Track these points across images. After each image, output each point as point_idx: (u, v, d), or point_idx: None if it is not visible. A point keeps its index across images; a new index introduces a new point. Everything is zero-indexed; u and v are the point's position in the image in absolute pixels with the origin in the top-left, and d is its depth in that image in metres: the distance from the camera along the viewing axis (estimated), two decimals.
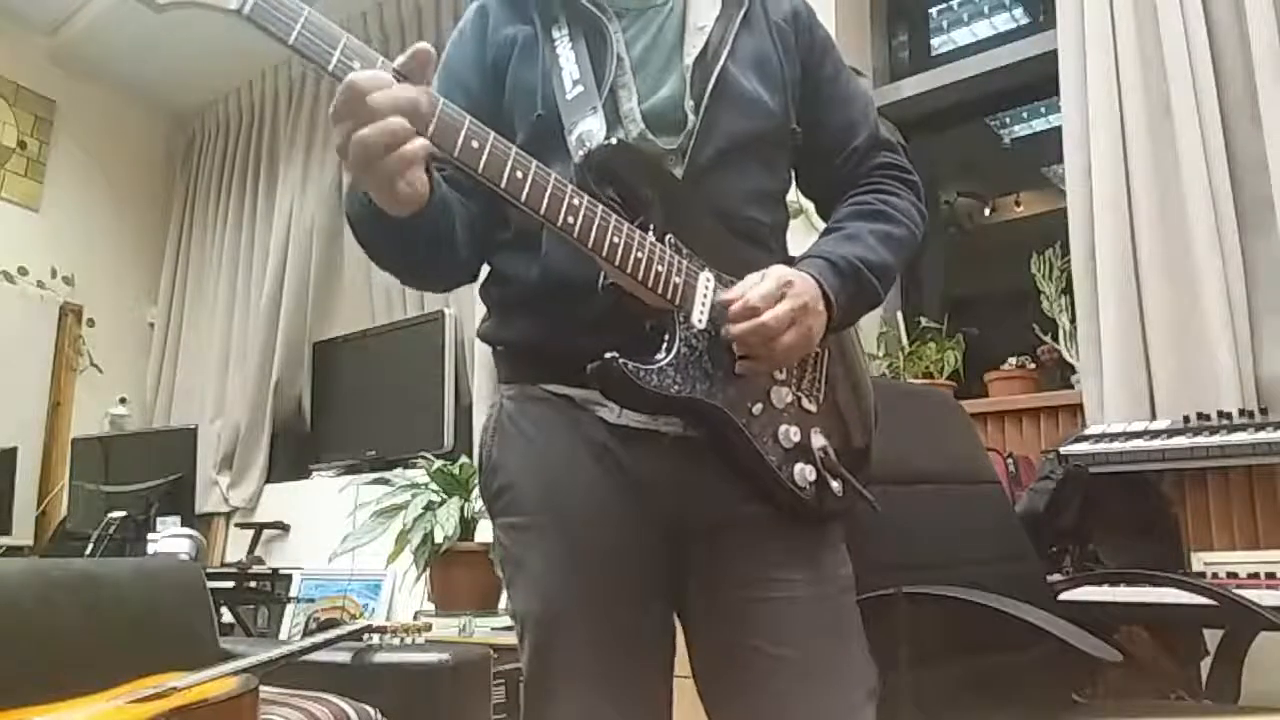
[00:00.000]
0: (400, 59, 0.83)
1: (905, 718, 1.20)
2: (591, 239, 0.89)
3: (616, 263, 0.91)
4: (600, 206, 0.90)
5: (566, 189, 0.88)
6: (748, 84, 1.06)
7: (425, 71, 0.83)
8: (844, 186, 1.16)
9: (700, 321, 0.96)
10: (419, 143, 0.81)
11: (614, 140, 0.97)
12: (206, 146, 4.92)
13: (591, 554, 0.99)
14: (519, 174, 0.86)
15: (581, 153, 0.95)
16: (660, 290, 0.93)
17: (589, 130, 0.98)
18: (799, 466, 1.00)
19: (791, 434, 1.00)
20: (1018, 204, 3.14)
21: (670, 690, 1.04)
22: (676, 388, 0.93)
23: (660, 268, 0.93)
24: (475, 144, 0.84)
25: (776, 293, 0.95)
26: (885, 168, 1.17)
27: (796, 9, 1.16)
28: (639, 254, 0.92)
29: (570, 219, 0.88)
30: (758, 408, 0.99)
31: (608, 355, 0.90)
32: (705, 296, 0.96)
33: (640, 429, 1.00)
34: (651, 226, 0.95)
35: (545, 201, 0.87)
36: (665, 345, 0.94)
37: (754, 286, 0.95)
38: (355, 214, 0.94)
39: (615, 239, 0.90)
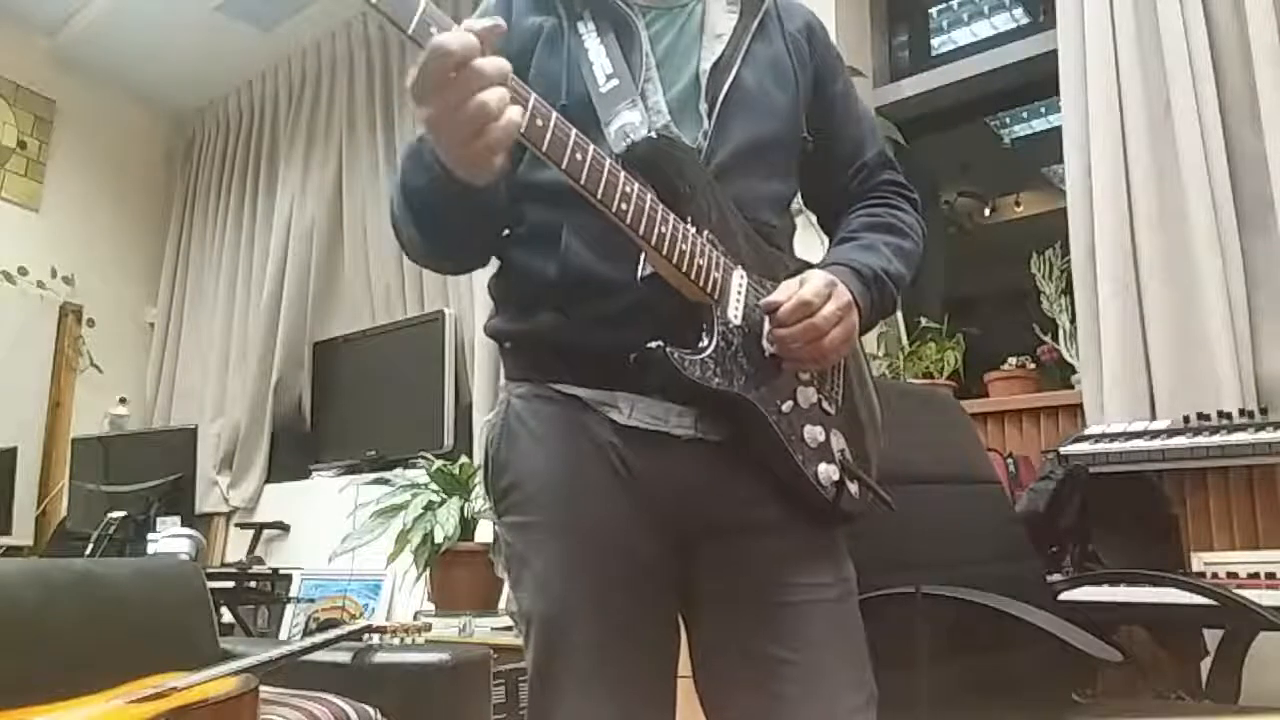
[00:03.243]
0: (479, 25, 0.80)
1: (905, 718, 1.20)
2: (642, 227, 0.90)
3: (664, 252, 0.91)
4: (650, 195, 0.91)
5: (620, 175, 0.89)
6: (761, 90, 1.08)
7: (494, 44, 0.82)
8: (851, 200, 1.20)
9: (736, 317, 0.97)
10: (518, 108, 0.81)
11: (655, 134, 0.97)
12: (206, 146, 4.92)
13: (598, 554, 0.99)
14: (579, 156, 0.85)
15: (625, 144, 0.96)
16: (701, 283, 0.94)
17: (631, 122, 0.99)
18: (823, 466, 1.01)
19: (817, 434, 1.01)
20: (1018, 204, 3.14)
21: (674, 691, 1.03)
22: (718, 380, 0.94)
23: (701, 261, 0.94)
24: (539, 122, 0.83)
25: (825, 291, 0.97)
26: (890, 184, 1.20)
27: (810, 23, 1.19)
28: (684, 246, 0.92)
29: (624, 205, 0.88)
30: (787, 405, 1.00)
31: (652, 344, 0.91)
32: (740, 293, 0.98)
33: (650, 430, 0.99)
34: (689, 219, 0.95)
35: (602, 186, 0.87)
36: (706, 338, 0.95)
37: (804, 286, 0.97)
38: (420, 185, 0.91)
39: (663, 229, 0.91)
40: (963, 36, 3.08)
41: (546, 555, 1.00)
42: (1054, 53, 2.40)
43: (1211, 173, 2.07)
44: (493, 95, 0.78)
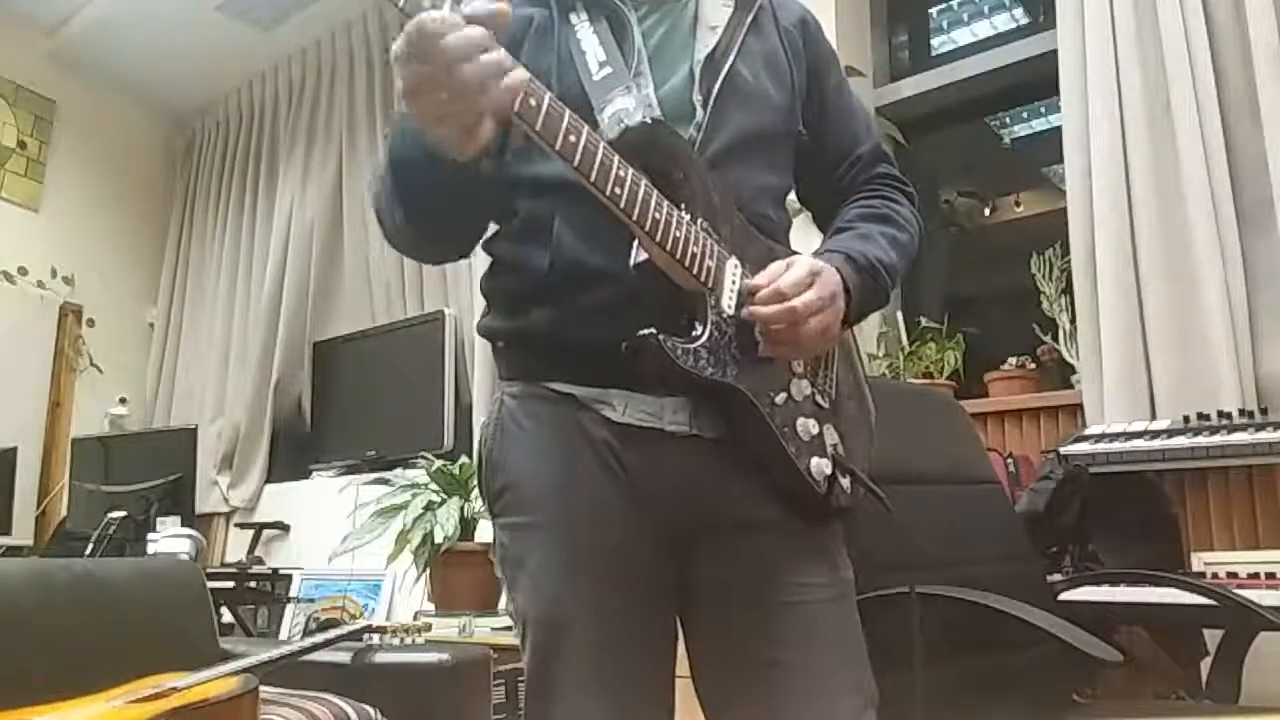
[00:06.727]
0: (472, 9, 0.79)
1: (905, 718, 1.20)
2: (636, 211, 0.89)
3: (657, 239, 0.90)
4: (644, 180, 0.90)
5: (614, 159, 0.87)
6: (755, 82, 1.07)
7: (495, 25, 0.81)
8: (845, 195, 1.19)
9: (729, 306, 0.96)
10: (521, 72, 0.79)
11: (649, 120, 0.96)
12: (206, 146, 4.92)
13: (594, 554, 0.98)
14: (572, 138, 0.84)
15: (618, 129, 0.95)
16: (695, 271, 0.93)
17: (625, 108, 0.98)
18: (815, 460, 1.00)
19: (810, 427, 1.01)
20: (1018, 204, 3.14)
21: (673, 691, 1.03)
22: (710, 370, 0.93)
23: (695, 249, 0.93)
24: (533, 102, 0.82)
25: (805, 280, 0.96)
26: (885, 177, 1.20)
27: (805, 19, 1.19)
28: (677, 232, 0.91)
29: (618, 190, 0.87)
30: (780, 397, 0.99)
31: (644, 332, 0.90)
32: (734, 282, 0.97)
33: (645, 428, 0.99)
34: (682, 205, 0.94)
35: (596, 168, 0.86)
36: (699, 327, 0.94)
37: (783, 273, 0.96)
38: (404, 157, 0.91)
39: (657, 214, 0.90)
40: (963, 36, 3.07)
41: (542, 556, 1.00)
42: (1054, 53, 2.39)
43: (1211, 173, 2.07)
44: (492, 59, 0.78)
